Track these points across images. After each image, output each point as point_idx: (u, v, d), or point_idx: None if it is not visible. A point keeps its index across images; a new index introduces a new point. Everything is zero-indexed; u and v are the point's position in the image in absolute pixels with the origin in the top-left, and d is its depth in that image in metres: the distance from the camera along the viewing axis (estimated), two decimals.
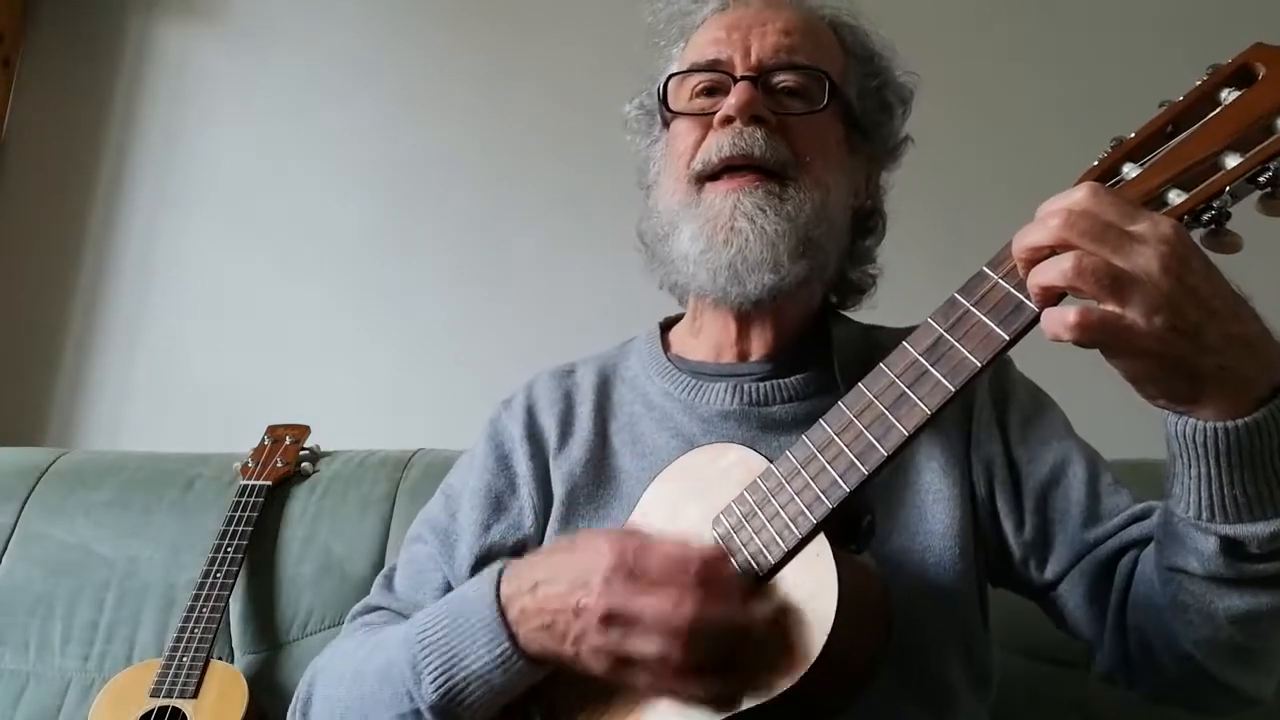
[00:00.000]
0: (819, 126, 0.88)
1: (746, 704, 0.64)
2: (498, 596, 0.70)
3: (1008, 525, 0.83)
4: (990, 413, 0.86)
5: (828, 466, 0.66)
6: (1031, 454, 0.84)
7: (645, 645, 0.63)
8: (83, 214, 2.06)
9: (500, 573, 0.72)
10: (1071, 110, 1.73)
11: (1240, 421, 0.58)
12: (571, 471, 0.89)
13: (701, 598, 0.63)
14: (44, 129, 2.11)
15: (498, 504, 0.91)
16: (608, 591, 0.64)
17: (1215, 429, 0.59)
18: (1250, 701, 0.74)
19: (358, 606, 0.94)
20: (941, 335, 0.63)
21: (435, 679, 0.70)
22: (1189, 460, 0.62)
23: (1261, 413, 0.58)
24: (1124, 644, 0.76)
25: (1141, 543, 0.76)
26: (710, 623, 0.63)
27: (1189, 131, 0.59)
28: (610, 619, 0.64)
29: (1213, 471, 0.61)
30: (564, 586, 0.67)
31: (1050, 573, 0.82)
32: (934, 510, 0.82)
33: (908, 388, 0.64)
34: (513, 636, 0.69)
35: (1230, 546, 0.63)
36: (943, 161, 1.62)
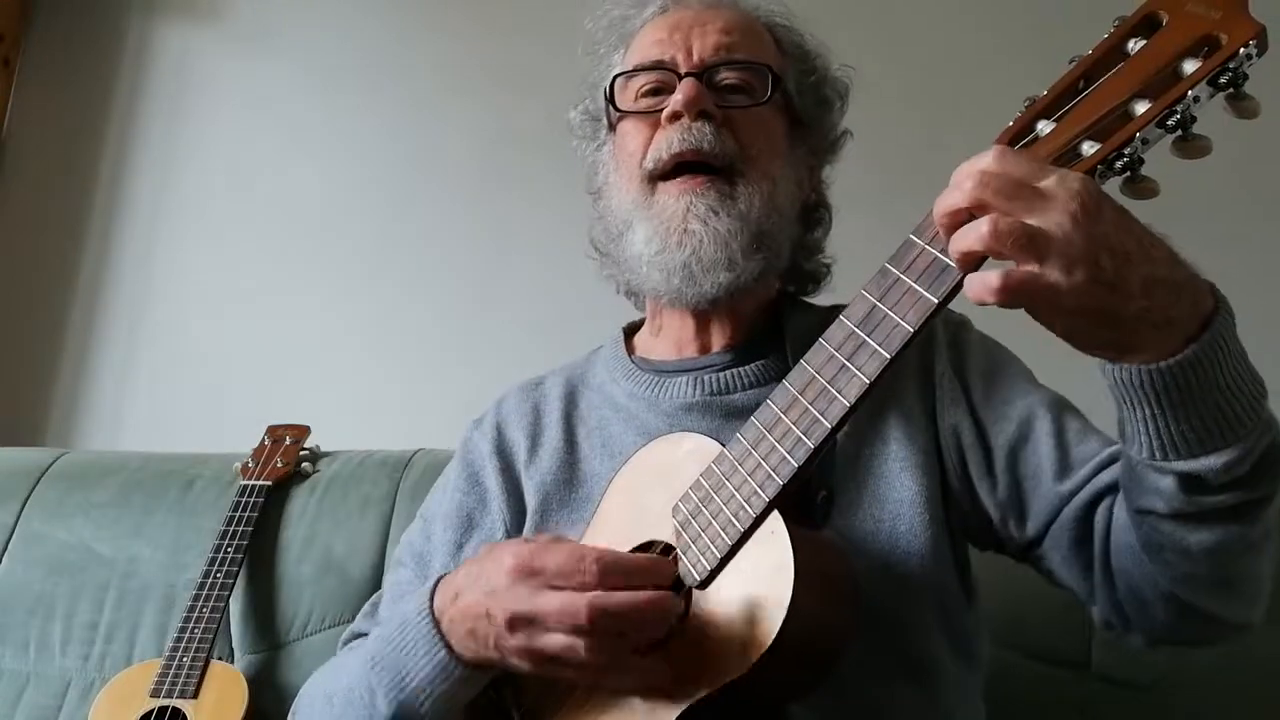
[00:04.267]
0: (763, 119, 0.90)
1: (709, 688, 0.64)
2: (431, 609, 0.73)
3: (982, 488, 0.83)
4: (951, 378, 0.87)
5: (776, 445, 0.68)
6: (996, 413, 0.84)
7: (553, 641, 0.65)
8: (83, 214, 2.06)
9: (434, 586, 0.75)
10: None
11: (1172, 360, 0.59)
12: (543, 481, 0.91)
13: (599, 590, 0.64)
14: (44, 129, 2.11)
15: (469, 522, 0.93)
16: (510, 594, 0.67)
17: (1149, 371, 0.59)
18: (1239, 628, 0.74)
19: (345, 634, 0.97)
20: (875, 305, 0.65)
21: (388, 695, 0.74)
22: (1132, 404, 0.62)
23: (1191, 349, 0.59)
24: (1113, 591, 0.77)
25: (1115, 488, 0.76)
26: (610, 610, 0.64)
27: (1098, 84, 0.60)
28: (515, 621, 0.67)
29: (1155, 412, 0.61)
30: (477, 594, 0.70)
31: (1031, 530, 0.82)
32: (901, 479, 0.82)
33: (846, 359, 0.65)
34: (448, 646, 0.72)
35: (1189, 483, 0.64)
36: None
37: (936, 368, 0.87)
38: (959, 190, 0.57)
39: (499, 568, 0.68)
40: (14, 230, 2.08)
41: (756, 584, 0.65)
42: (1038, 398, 0.84)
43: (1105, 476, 0.77)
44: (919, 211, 0.63)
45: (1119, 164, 0.58)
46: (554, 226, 1.90)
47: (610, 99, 0.94)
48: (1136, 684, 1.13)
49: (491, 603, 0.68)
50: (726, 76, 0.90)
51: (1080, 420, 0.83)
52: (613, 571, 0.65)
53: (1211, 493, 0.64)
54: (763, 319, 0.94)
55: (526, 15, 2.02)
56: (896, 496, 0.82)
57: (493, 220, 1.96)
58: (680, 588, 0.70)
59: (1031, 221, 0.55)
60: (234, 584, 1.27)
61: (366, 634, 0.93)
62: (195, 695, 1.19)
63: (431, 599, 0.74)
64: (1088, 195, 0.55)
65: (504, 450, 0.95)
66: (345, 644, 0.96)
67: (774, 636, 0.62)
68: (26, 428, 1.98)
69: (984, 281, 0.56)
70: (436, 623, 0.73)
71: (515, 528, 0.91)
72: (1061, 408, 0.84)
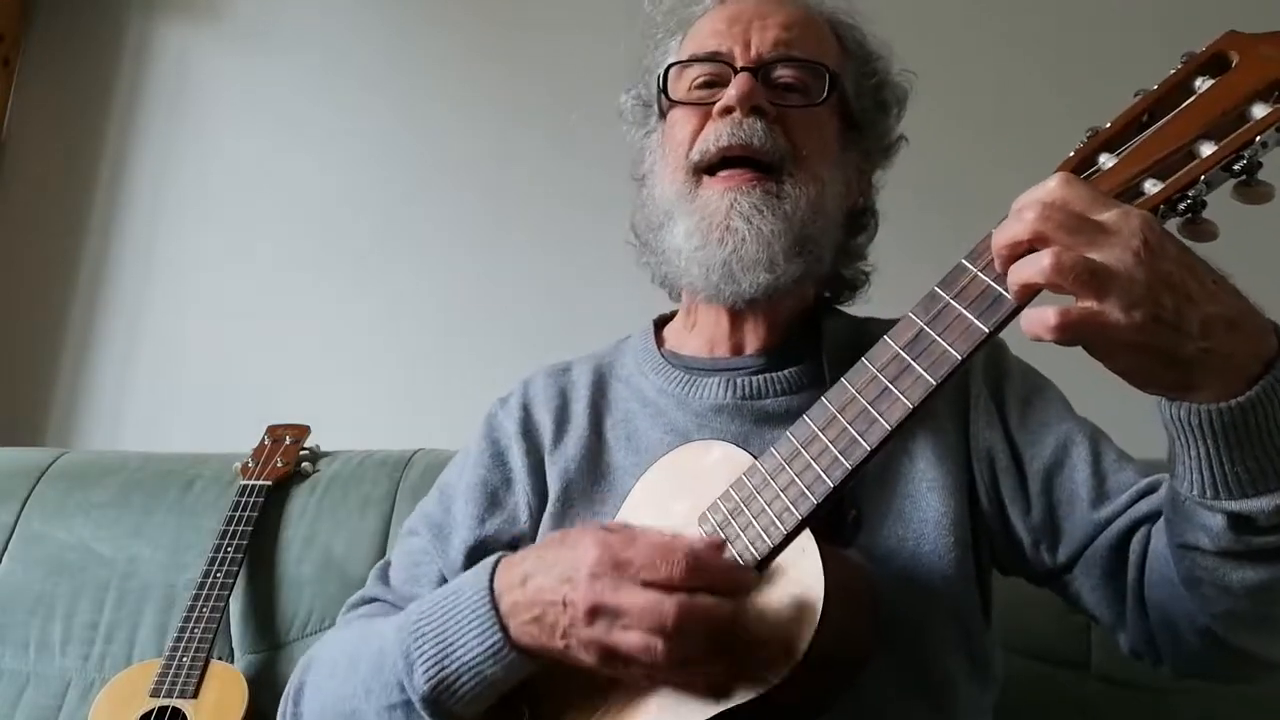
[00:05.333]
0: (817, 120, 0.89)
1: (735, 700, 0.64)
2: (491, 589, 0.71)
3: (1014, 511, 0.83)
4: (988, 401, 0.86)
5: (812, 462, 0.67)
6: (1033, 437, 0.84)
7: (631, 638, 0.64)
8: (83, 214, 2.06)
9: (495, 565, 0.73)
10: (1068, 105, 1.74)
11: (1233, 402, 0.58)
12: (566, 468, 0.89)
13: (686, 591, 0.63)
14: (44, 129, 2.11)
15: (493, 499, 0.91)
16: (593, 585, 0.65)
17: (1208, 411, 0.58)
18: (1272, 667, 0.73)
19: (353, 599, 0.95)
20: (922, 329, 0.63)
21: (427, 669, 0.71)
22: (1186, 442, 0.61)
23: (1253, 391, 0.58)
24: (1145, 621, 0.76)
25: (1151, 518, 0.76)
26: (695, 616, 0.63)
27: (1164, 121, 0.58)
28: (595, 612, 0.65)
29: (1211, 452, 0.61)
30: (552, 580, 0.68)
31: (1063, 556, 0.81)
32: (928, 499, 0.82)
33: (890, 382, 0.64)
34: (504, 629, 0.70)
35: (1238, 522, 0.63)
36: (941, 156, 1.62)
37: (972, 389, 0.86)
38: (1019, 221, 0.56)
39: (581, 556, 0.67)
40: (14, 230, 2.08)
41: (785, 602, 0.65)
42: (1075, 424, 0.84)
43: (1142, 506, 0.77)
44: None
45: (1181, 205, 0.57)
46: (556, 228, 1.90)
47: (663, 88, 0.93)
48: (1136, 684, 1.13)
49: (570, 590, 0.66)
50: (783, 74, 0.88)
51: (1116, 449, 0.83)
52: (701, 571, 0.64)
53: (1260, 533, 0.63)
54: (797, 324, 0.93)
55: (527, 8, 2.02)
56: (921, 516, 0.81)
57: (494, 220, 1.95)
58: None
59: (1094, 256, 0.54)
60: (234, 584, 1.27)
61: (378, 599, 0.92)
62: (195, 695, 1.19)
63: (491, 578, 0.72)
64: (1151, 232, 0.54)
65: (530, 432, 0.94)
66: (353, 608, 0.94)
67: (800, 656, 0.62)
68: (26, 428, 1.98)
69: (1041, 318, 0.54)
70: (495, 604, 0.70)
71: (537, 511, 0.90)
72: (1098, 436, 0.84)
